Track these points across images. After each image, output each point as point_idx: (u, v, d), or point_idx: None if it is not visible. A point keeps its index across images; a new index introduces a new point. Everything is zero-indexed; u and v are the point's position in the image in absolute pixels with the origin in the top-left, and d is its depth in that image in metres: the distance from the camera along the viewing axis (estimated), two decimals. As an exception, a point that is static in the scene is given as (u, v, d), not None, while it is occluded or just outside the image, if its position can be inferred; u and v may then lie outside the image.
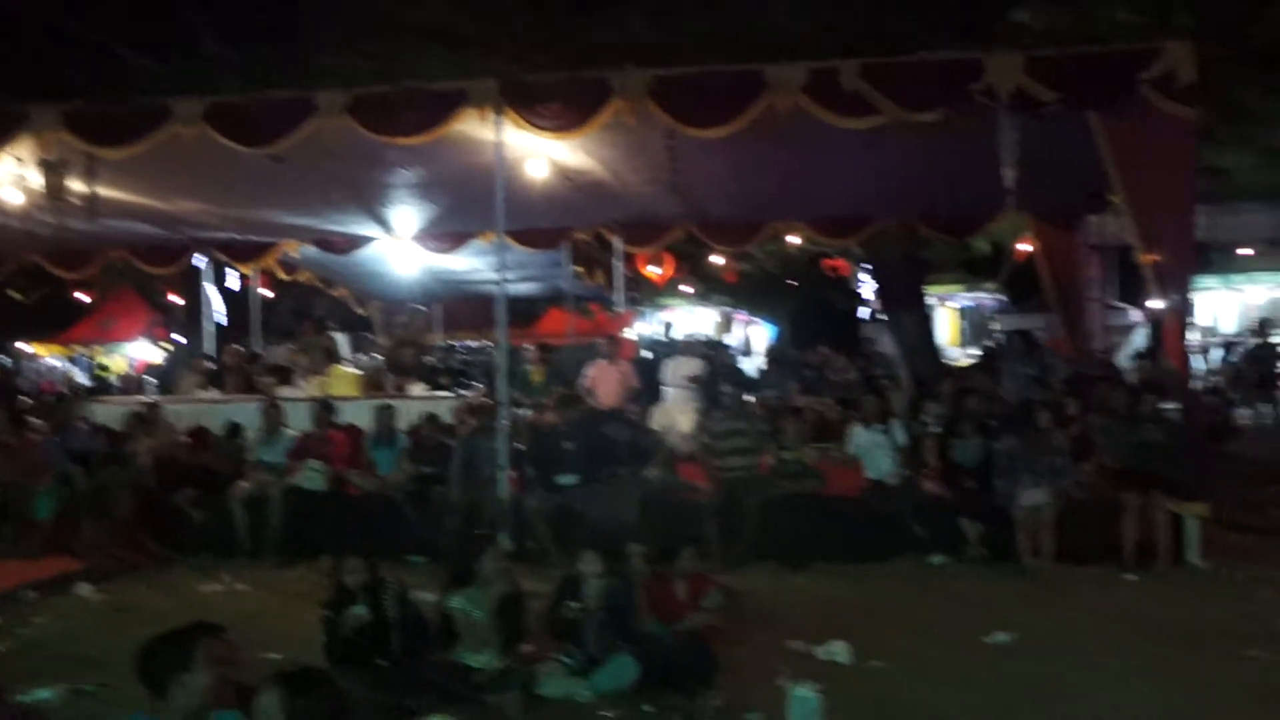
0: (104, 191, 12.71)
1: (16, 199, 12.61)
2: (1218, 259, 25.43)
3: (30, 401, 16.32)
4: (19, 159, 11.61)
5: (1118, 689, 6.78)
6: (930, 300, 25.58)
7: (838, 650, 7.48)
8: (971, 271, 27.29)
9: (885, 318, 21.39)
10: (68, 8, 19.24)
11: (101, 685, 6.95)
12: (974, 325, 33.36)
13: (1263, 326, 20.50)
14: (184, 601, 9.48)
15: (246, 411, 12.67)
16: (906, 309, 19.63)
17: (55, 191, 11.83)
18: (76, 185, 12.08)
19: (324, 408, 12.08)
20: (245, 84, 14.46)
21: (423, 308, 18.05)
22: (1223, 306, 29.31)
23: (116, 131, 11.09)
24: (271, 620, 8.70)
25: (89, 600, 9.67)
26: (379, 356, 16.77)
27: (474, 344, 22.76)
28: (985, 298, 31.76)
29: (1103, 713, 6.43)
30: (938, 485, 10.81)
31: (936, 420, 11.88)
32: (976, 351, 27.15)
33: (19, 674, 7.15)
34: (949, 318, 33.62)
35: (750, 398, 13.72)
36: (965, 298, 32.82)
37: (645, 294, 27.71)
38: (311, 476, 11.34)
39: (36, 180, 11.77)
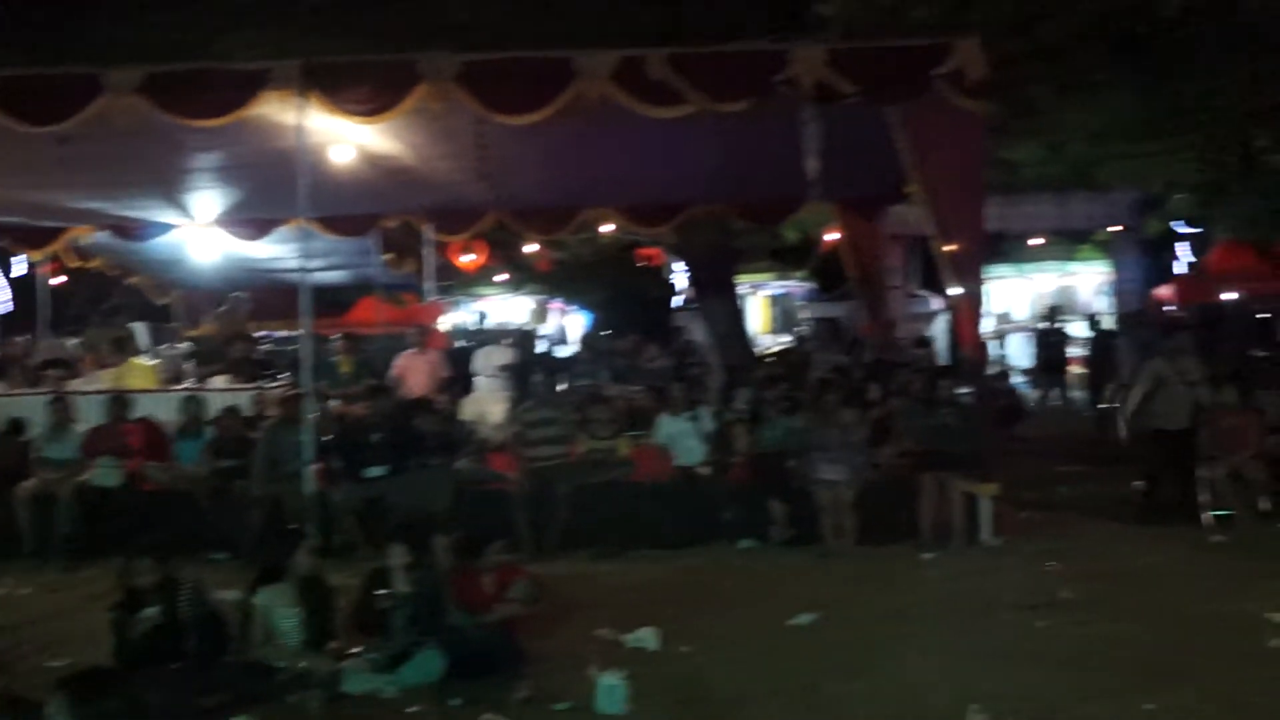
0: None
1: None
2: (1010, 248, 26.55)
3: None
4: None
5: (916, 662, 7.00)
6: (742, 289, 26.02)
7: (646, 636, 7.53)
8: (781, 260, 27.84)
9: (697, 306, 21.67)
10: None
11: None
12: (785, 313, 34.02)
13: (1052, 313, 21.45)
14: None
15: (30, 406, 12.00)
16: (717, 297, 19.90)
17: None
18: None
19: (118, 401, 11.56)
20: (30, 57, 13.66)
21: (243, 295, 17.41)
22: (1015, 294, 30.66)
23: None
24: (59, 624, 8.30)
25: None
26: (180, 347, 16.10)
27: (280, 334, 22.14)
28: (795, 286, 32.42)
29: (902, 685, 6.63)
30: (746, 470, 10.98)
31: (746, 406, 12.07)
32: (787, 338, 27.78)
33: None
34: (761, 305, 34.22)
35: (563, 386, 13.69)
36: (776, 286, 33.45)
37: (458, 283, 27.42)
38: (105, 473, 10.83)
39: None
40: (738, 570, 9.84)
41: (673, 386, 12.05)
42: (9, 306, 18.53)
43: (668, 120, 10.36)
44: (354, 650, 6.80)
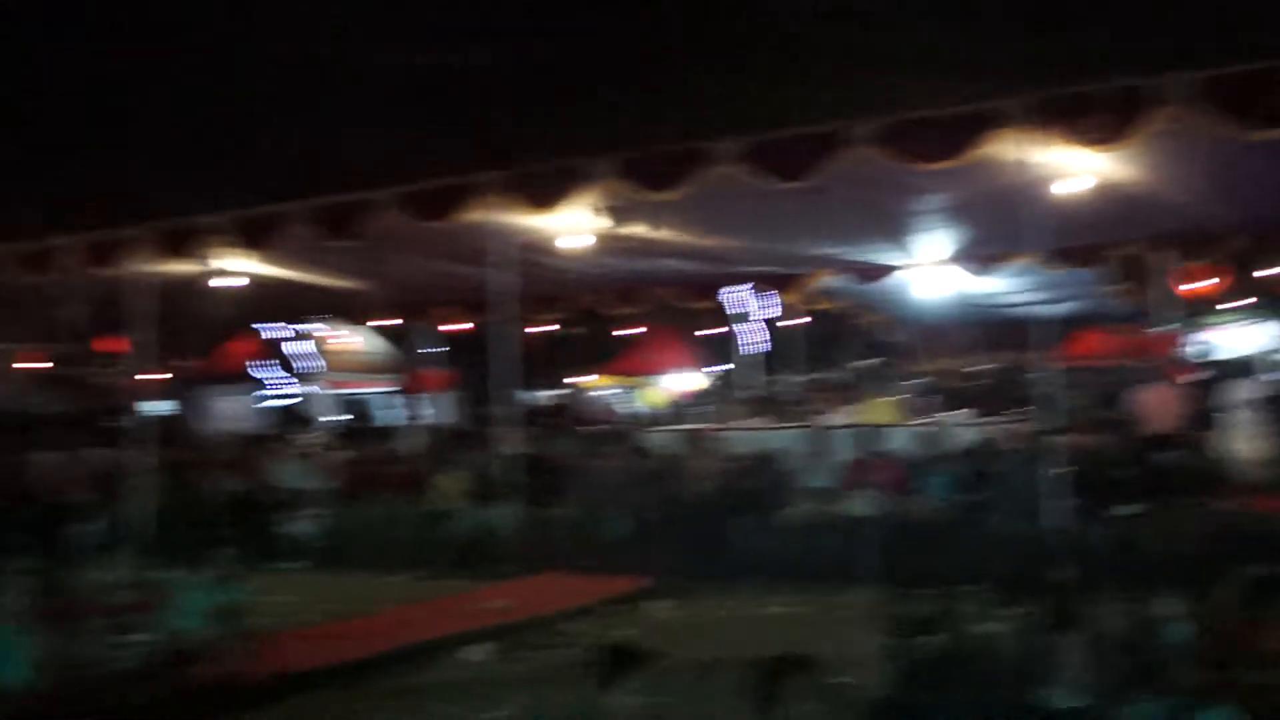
0: (652, 233, 13.68)
1: (580, 244, 13.79)
2: None
3: (594, 430, 17.76)
4: (580, 208, 12.69)
5: None
6: None
7: None
8: None
9: None
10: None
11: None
12: None
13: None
14: (751, 620, 9.89)
15: (790, 438, 13.05)
16: None
17: (612, 237, 12.90)
18: (629, 229, 13.05)
19: (868, 435, 12.25)
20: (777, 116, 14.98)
21: (961, 332, 17.77)
22: None
23: (661, 176, 11.80)
24: (833, 644, 8.88)
25: (656, 615, 10.37)
26: (914, 382, 16.74)
27: (998, 366, 22.09)
28: None
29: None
30: None
31: None
32: None
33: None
34: None
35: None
36: None
37: (1186, 311, 25.69)
38: (860, 503, 11.50)
39: (595, 226, 12.85)
40: None
41: None
42: (762, 348, 20.33)
43: None
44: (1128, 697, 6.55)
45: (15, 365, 25.85)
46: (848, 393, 15.22)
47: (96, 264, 14.36)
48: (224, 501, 14.96)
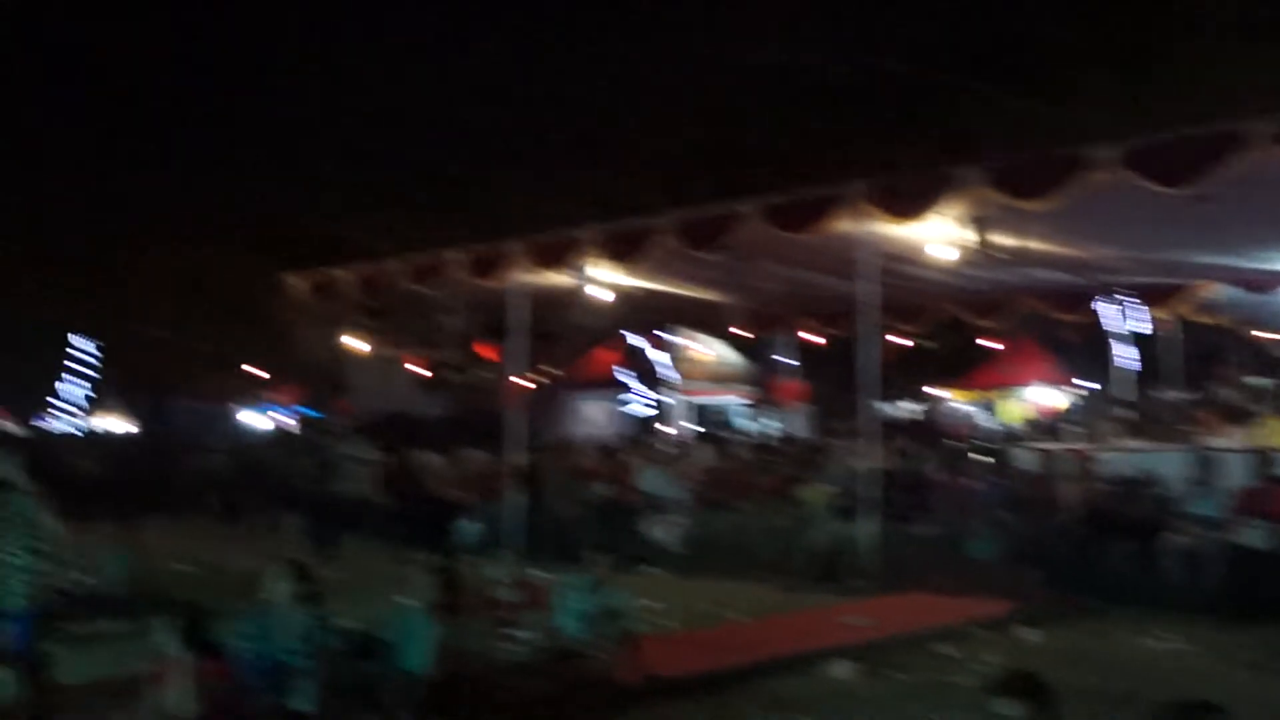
0: (1024, 242, 13.16)
1: (946, 255, 13.45)
2: None
3: (957, 445, 17.27)
4: (946, 217, 12.36)
5: None
6: None
7: None
8: None
9: None
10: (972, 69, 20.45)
11: None
12: None
13: None
14: (1125, 653, 9.36)
15: (1169, 460, 12.24)
16: None
17: (982, 246, 12.49)
18: (1000, 238, 12.61)
19: (1265, 460, 11.30)
20: (1145, 122, 14.14)
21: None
22: None
23: (1035, 184, 11.32)
24: (1225, 687, 8.24)
25: (1028, 641, 9.94)
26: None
27: None
28: None
29: None
30: None
31: None
32: None
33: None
34: None
35: None
36: None
37: None
38: (1254, 534, 10.61)
39: (964, 236, 12.49)
40: None
41: None
42: (1134, 363, 19.14)
43: None
44: None
45: (404, 370, 27.95)
46: (1236, 413, 14.07)
47: (479, 275, 15.25)
48: (592, 505, 15.55)
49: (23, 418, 36.62)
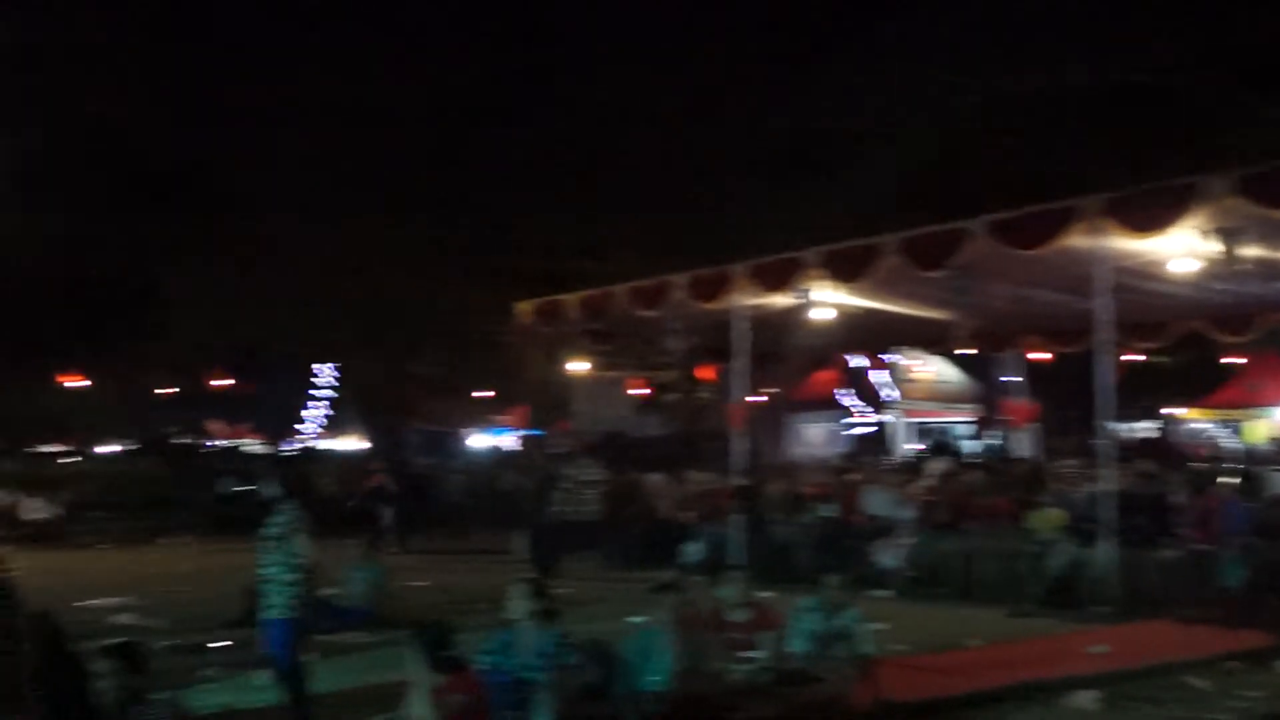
0: (1272, 254, 12.49)
1: (1189, 268, 12.87)
2: None
3: (1200, 466, 16.51)
4: (1188, 229, 11.81)
5: None
6: None
7: None
8: None
9: None
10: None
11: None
12: None
13: None
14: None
15: None
16: None
17: (1228, 258, 11.90)
18: (1250, 250, 11.99)
19: None
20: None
21: None
22: None
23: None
24: None
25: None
26: None
27: None
28: None
29: None
30: None
31: None
32: None
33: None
34: None
35: None
36: None
37: None
38: None
39: (1210, 248, 11.92)
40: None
41: None
42: None
43: None
44: None
45: (626, 392, 28.45)
46: None
47: (701, 298, 15.40)
48: (815, 526, 15.46)
49: (271, 439, 38.83)
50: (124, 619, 12.50)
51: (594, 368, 26.48)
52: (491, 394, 36.03)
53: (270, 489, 7.78)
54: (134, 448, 37.02)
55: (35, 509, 23.57)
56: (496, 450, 33.95)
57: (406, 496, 22.11)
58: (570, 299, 17.93)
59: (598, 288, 17.72)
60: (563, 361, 26.13)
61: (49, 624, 6.52)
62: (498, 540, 18.93)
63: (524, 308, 18.82)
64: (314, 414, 42.02)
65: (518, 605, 6.99)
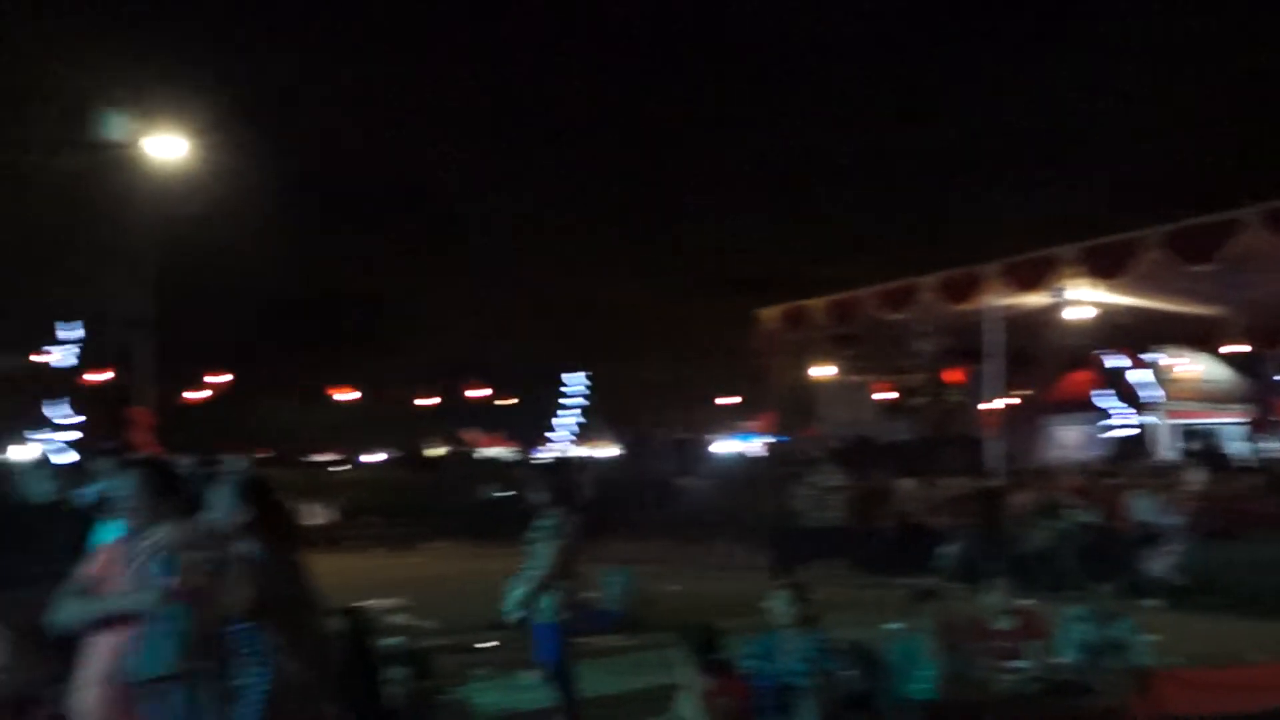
0: None
1: None
2: None
3: None
4: None
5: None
6: None
7: None
8: None
9: None
10: None
11: None
12: None
13: None
14: None
15: None
16: None
17: None
18: None
19: None
20: None
21: None
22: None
23: None
24: None
25: None
26: None
27: None
28: None
29: None
30: None
31: None
32: None
33: None
34: None
35: None
36: None
37: None
38: None
39: None
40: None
41: None
42: None
43: None
44: None
45: (871, 396, 28.10)
46: None
47: (952, 299, 15.15)
48: (1076, 532, 14.94)
49: (523, 446, 40.16)
50: (399, 619, 13.14)
51: (839, 372, 26.28)
52: (737, 400, 36.24)
53: (538, 495, 8.06)
54: (398, 456, 38.90)
55: (313, 514, 25.05)
56: (742, 457, 34.05)
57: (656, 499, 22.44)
58: (815, 304, 17.93)
59: (843, 292, 17.66)
60: (807, 366, 26.04)
61: (357, 620, 6.92)
62: (743, 546, 18.99)
63: (768, 313, 18.91)
64: (565, 422, 43.26)
65: (779, 610, 7.05)
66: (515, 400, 41.50)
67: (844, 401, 29.14)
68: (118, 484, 5.02)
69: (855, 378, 27.81)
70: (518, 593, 7.84)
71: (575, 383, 42.31)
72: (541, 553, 7.81)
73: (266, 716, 4.38)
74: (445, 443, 41.01)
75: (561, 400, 42.91)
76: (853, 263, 23.90)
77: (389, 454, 39.85)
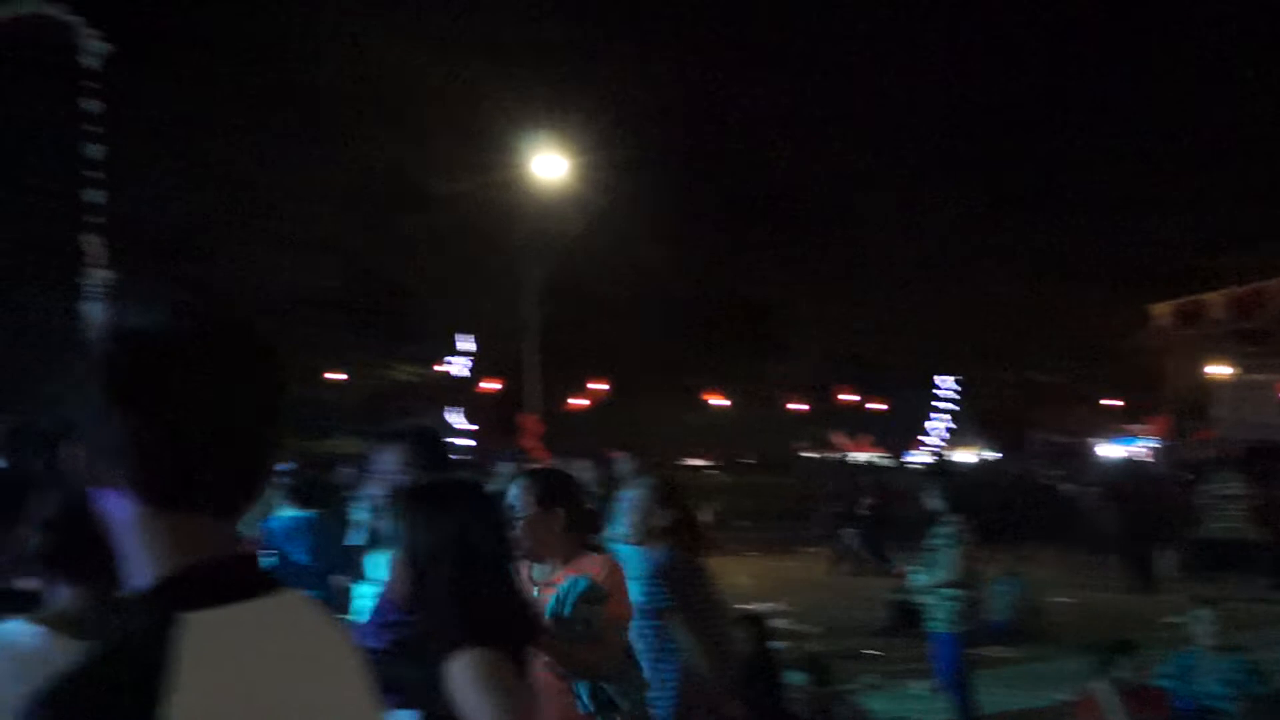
0: None
1: None
2: None
3: None
4: None
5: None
6: None
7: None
8: None
9: None
10: None
11: None
12: None
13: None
14: None
15: None
16: None
17: None
18: None
19: None
20: None
21: None
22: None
23: None
24: None
25: None
26: None
27: None
28: None
29: None
30: None
31: None
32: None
33: None
34: None
35: None
36: None
37: None
38: None
39: None
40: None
41: None
42: None
43: None
44: None
45: (1278, 397, 25.75)
46: None
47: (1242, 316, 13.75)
48: None
49: (894, 452, 39.53)
50: (781, 624, 13.23)
51: (1239, 371, 24.37)
52: (1120, 402, 34.24)
53: (933, 501, 7.89)
54: (768, 461, 39.10)
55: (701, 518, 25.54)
56: (1129, 462, 32.17)
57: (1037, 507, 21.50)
58: (1214, 298, 16.72)
59: (1247, 284, 16.36)
60: (1203, 365, 24.28)
61: (757, 626, 7.01)
62: (1128, 557, 17.87)
63: (1160, 309, 17.80)
64: (937, 426, 42.29)
65: (1200, 628, 6.59)
66: (885, 405, 40.92)
67: (1245, 402, 26.96)
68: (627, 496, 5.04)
69: (1258, 376, 25.64)
70: (930, 603, 7.72)
71: (946, 386, 41.29)
72: (942, 561, 7.64)
73: (679, 713, 4.49)
74: (815, 447, 40.90)
75: (934, 404, 41.99)
76: (1254, 252, 21.93)
77: (759, 458, 40.11)
